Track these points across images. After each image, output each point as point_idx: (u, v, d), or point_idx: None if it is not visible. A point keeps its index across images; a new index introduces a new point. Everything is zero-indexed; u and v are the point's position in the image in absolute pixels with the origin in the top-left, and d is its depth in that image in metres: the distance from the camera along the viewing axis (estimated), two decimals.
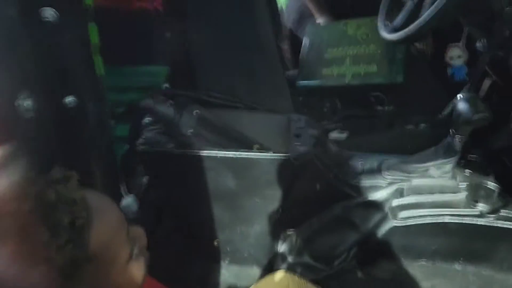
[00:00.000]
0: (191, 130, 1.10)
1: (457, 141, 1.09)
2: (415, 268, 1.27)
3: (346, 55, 1.78)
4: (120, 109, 1.64)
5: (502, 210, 1.12)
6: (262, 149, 1.14)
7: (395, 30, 1.37)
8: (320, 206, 1.22)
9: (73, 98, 0.84)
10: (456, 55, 1.68)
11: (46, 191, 0.54)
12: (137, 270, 0.65)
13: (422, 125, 1.54)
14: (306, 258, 1.26)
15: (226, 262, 1.30)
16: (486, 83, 1.64)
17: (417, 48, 2.05)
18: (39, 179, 0.56)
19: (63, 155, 0.86)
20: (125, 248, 0.62)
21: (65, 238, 0.53)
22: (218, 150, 1.10)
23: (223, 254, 1.28)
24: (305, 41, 1.91)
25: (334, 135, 1.67)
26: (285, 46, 2.16)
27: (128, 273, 0.63)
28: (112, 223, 0.61)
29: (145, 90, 1.70)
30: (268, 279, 1.02)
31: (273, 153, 1.08)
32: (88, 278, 0.57)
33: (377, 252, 1.26)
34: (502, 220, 1.12)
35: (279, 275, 1.01)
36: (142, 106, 1.12)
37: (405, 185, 1.14)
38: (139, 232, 0.68)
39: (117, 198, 1.15)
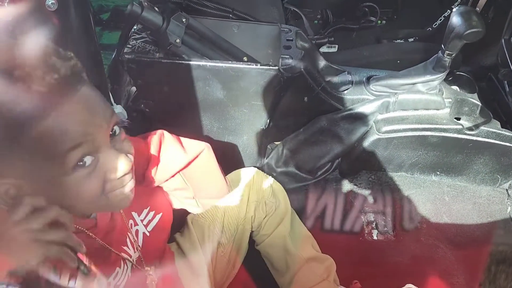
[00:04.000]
0: (179, 39, 1.07)
1: (447, 56, 1.08)
2: (395, 179, 1.33)
3: None
4: (105, 15, 1.58)
5: (482, 126, 1.16)
6: (251, 60, 1.13)
7: None
8: (307, 118, 1.25)
9: (54, 0, 0.80)
10: None
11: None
12: (78, 184, 0.56)
13: (412, 39, 1.52)
14: (291, 168, 1.31)
15: None
16: None
17: None
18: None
19: None
20: (71, 154, 0.53)
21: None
22: (206, 60, 1.08)
23: None
24: None
25: (325, 49, 1.64)
26: None
27: (67, 184, 0.55)
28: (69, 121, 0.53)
29: None
30: (237, 170, 1.10)
31: (262, 64, 1.07)
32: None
33: (360, 163, 1.32)
34: (482, 135, 1.16)
35: (248, 168, 1.09)
36: (128, 13, 1.07)
37: (391, 99, 1.16)
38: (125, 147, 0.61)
39: None
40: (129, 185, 0.64)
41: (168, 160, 0.82)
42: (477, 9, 1.51)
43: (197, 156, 0.85)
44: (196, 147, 0.86)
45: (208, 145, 0.88)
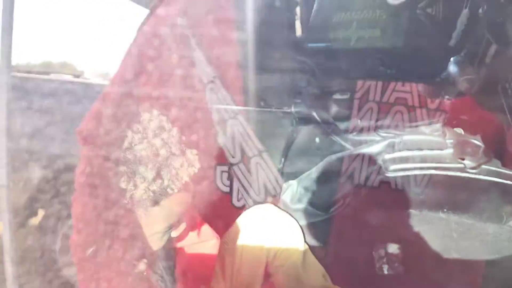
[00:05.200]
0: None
1: (447, 100, 1.18)
2: (404, 215, 1.39)
3: (353, 19, 1.84)
4: None
5: (483, 165, 1.23)
6: (267, 105, 1.26)
7: None
8: (320, 157, 1.34)
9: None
10: None
11: None
12: None
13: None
14: (305, 204, 1.39)
15: None
16: (492, 49, 1.70)
17: (425, 13, 2.09)
18: None
19: None
20: None
21: None
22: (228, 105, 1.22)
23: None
24: (316, 5, 1.97)
25: (338, 96, 1.76)
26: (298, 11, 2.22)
27: None
28: None
29: None
30: (255, 206, 1.21)
31: (277, 108, 1.20)
32: None
33: (370, 200, 1.39)
34: (483, 174, 1.23)
35: (265, 205, 1.18)
36: None
37: (396, 140, 1.25)
38: None
39: None
40: None
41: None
42: (487, 60, 1.61)
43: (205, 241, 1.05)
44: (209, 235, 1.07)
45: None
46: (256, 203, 1.33)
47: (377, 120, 1.32)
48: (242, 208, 1.31)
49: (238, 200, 1.34)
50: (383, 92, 1.35)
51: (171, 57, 1.07)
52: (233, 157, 1.27)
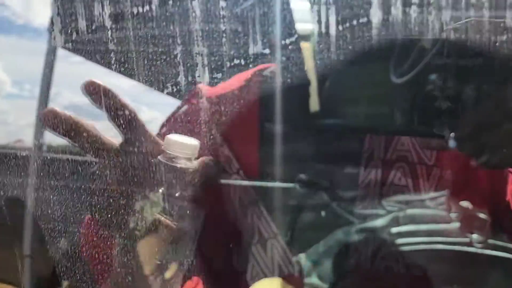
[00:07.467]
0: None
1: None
2: None
3: (362, 96, 1.94)
4: None
5: (490, 240, 1.22)
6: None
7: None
8: (327, 231, 1.37)
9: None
10: None
11: None
12: None
13: None
14: (314, 279, 1.39)
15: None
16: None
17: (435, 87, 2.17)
18: None
19: None
20: None
21: None
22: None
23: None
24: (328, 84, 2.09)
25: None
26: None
27: None
28: None
29: None
30: (263, 280, 1.21)
31: (282, 182, 1.26)
32: None
33: (377, 275, 1.38)
34: (490, 248, 1.22)
35: (272, 278, 1.20)
36: None
37: (400, 214, 1.28)
38: None
39: None
40: None
41: None
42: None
43: None
44: None
45: None
46: None
47: (382, 176, 1.35)
48: None
49: (252, 279, 1.35)
50: (386, 151, 1.38)
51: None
52: (251, 238, 1.33)
